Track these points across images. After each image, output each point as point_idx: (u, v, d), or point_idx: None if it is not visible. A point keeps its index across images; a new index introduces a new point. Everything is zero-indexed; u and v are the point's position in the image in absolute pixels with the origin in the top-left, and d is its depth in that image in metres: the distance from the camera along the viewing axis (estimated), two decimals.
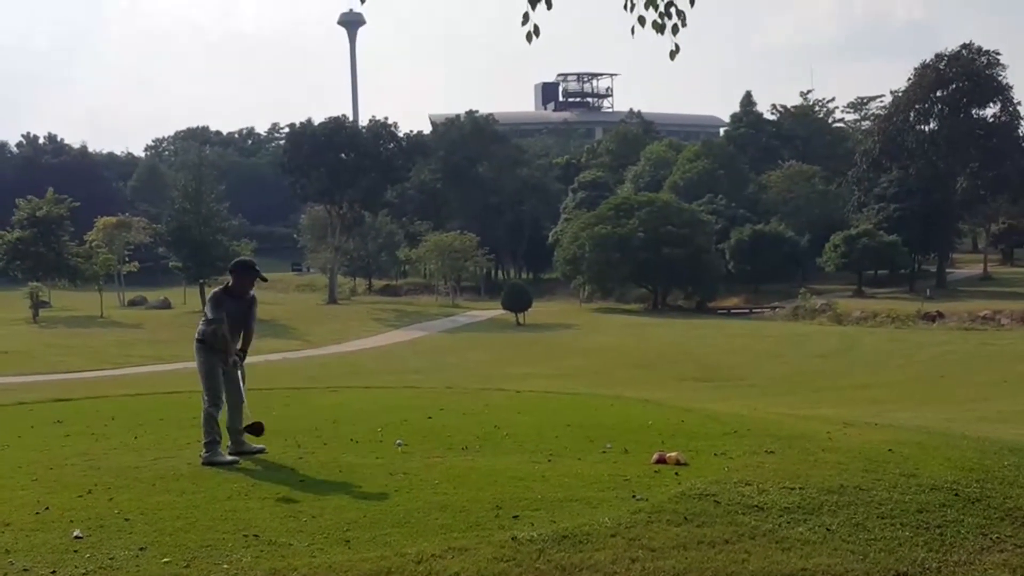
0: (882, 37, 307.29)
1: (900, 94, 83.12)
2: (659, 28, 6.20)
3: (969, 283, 79.98)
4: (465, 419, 12.27)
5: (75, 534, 6.49)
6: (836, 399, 28.49)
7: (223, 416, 9.71)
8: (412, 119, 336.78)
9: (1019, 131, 79.54)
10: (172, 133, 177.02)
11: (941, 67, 79.12)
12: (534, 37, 5.95)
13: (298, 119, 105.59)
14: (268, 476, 8.62)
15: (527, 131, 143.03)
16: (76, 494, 7.75)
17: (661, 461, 8.81)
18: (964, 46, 79.25)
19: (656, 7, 6.17)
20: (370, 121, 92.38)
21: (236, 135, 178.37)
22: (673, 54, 6.41)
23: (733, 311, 75.30)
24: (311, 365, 44.23)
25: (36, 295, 68.39)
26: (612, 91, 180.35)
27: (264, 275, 10.19)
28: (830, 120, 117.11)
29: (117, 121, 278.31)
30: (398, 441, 10.27)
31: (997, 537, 6.69)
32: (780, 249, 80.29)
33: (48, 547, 6.25)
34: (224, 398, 9.75)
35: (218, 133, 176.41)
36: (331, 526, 6.73)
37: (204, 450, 9.37)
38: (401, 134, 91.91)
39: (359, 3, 5.75)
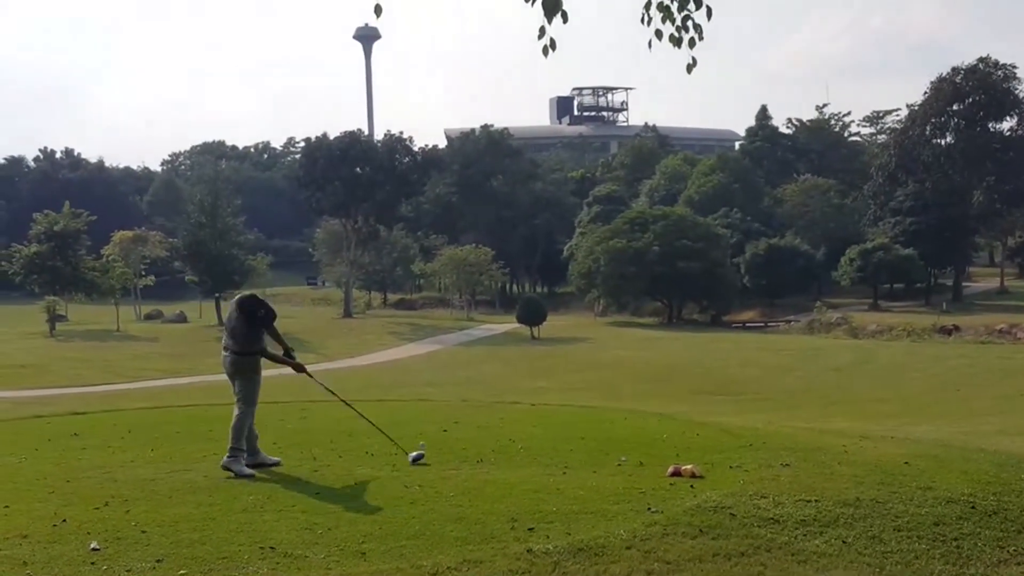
0: (896, 53, 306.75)
1: (916, 108, 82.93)
2: (676, 42, 6.23)
3: (986, 297, 79.61)
4: (480, 432, 12.29)
5: (92, 546, 6.53)
6: (852, 412, 28.37)
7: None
8: (427, 133, 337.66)
9: None
10: (188, 148, 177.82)
11: (958, 81, 78.92)
12: (550, 51, 5.97)
13: (314, 133, 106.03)
14: (284, 488, 8.65)
15: (542, 145, 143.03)
16: (93, 506, 7.80)
17: (676, 474, 8.82)
18: (981, 60, 79.07)
19: (673, 20, 6.20)
20: (385, 135, 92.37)
21: (252, 149, 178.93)
22: (690, 67, 6.43)
23: (748, 325, 75.10)
24: (327, 378, 43.91)
25: (53, 309, 68.46)
26: (627, 105, 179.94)
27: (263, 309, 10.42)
28: (846, 134, 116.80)
29: (134, 136, 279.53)
30: (415, 453, 10.20)
31: (1014, 550, 6.67)
32: (795, 263, 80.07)
33: (65, 559, 6.29)
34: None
35: (234, 147, 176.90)
36: (347, 538, 6.75)
37: (228, 454, 9.45)
38: (416, 148, 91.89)
39: (374, 17, 5.77)
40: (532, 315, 67.27)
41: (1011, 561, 6.43)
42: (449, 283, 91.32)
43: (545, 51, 5.96)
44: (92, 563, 6.20)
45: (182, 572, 6.01)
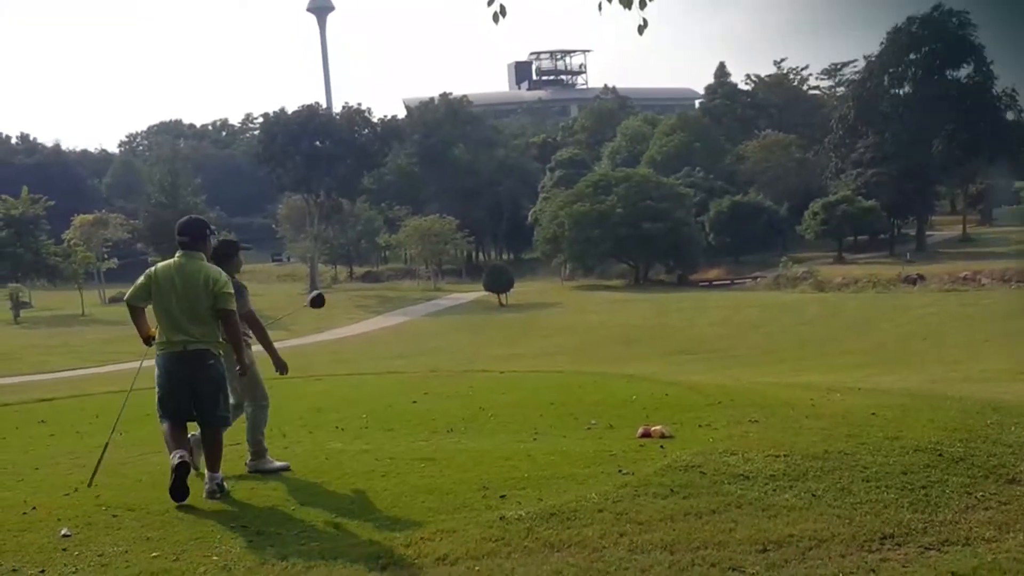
0: (852, 5, 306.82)
1: (874, 59, 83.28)
2: (626, 3, 6.17)
3: (949, 245, 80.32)
4: (450, 402, 12.30)
5: (63, 532, 6.47)
6: (820, 366, 28.61)
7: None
8: (386, 104, 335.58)
9: (993, 91, 79.69)
10: (145, 128, 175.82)
11: (914, 30, 79.33)
12: (500, 18, 5.92)
13: (271, 109, 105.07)
14: None
15: (502, 111, 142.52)
16: (63, 493, 7.73)
17: (646, 435, 8.85)
18: (935, 8, 79.40)
19: None
20: (344, 107, 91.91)
21: (210, 127, 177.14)
22: (642, 28, 6.37)
23: (715, 283, 75.43)
24: (295, 355, 43.76)
25: (16, 296, 67.79)
26: (586, 68, 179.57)
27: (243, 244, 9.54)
28: (805, 87, 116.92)
29: (90, 117, 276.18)
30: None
31: (981, 495, 6.74)
32: (759, 219, 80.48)
33: (36, 547, 6.23)
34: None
35: (191, 126, 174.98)
36: (319, 513, 6.74)
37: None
38: (375, 119, 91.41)
39: None
40: (499, 282, 67.33)
41: (978, 507, 6.50)
42: (415, 254, 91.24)
43: (495, 18, 5.91)
44: (64, 549, 6.14)
45: (154, 555, 5.98)
